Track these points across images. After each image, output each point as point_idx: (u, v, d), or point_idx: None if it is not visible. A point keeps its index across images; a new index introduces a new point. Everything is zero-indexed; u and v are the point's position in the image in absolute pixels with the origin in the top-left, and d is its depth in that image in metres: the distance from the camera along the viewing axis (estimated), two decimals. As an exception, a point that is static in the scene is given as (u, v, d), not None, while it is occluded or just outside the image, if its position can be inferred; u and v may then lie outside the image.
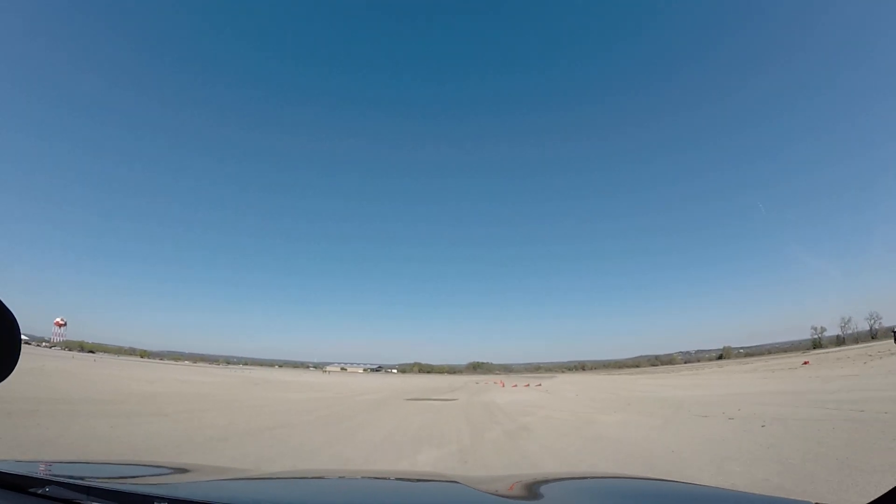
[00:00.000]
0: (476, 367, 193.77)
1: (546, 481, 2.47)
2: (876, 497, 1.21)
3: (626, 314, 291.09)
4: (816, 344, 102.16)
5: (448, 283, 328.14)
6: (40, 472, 1.81)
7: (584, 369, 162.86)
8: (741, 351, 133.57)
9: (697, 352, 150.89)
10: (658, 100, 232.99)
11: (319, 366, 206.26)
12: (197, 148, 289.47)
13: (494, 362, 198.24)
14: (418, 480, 3.01)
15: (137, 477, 2.27)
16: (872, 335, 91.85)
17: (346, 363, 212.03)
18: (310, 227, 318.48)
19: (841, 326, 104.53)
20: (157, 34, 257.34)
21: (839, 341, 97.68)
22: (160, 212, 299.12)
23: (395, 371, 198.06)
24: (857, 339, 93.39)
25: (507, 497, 1.99)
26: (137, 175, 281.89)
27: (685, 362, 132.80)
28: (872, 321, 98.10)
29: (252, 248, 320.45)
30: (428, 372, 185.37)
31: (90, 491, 1.47)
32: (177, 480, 2.24)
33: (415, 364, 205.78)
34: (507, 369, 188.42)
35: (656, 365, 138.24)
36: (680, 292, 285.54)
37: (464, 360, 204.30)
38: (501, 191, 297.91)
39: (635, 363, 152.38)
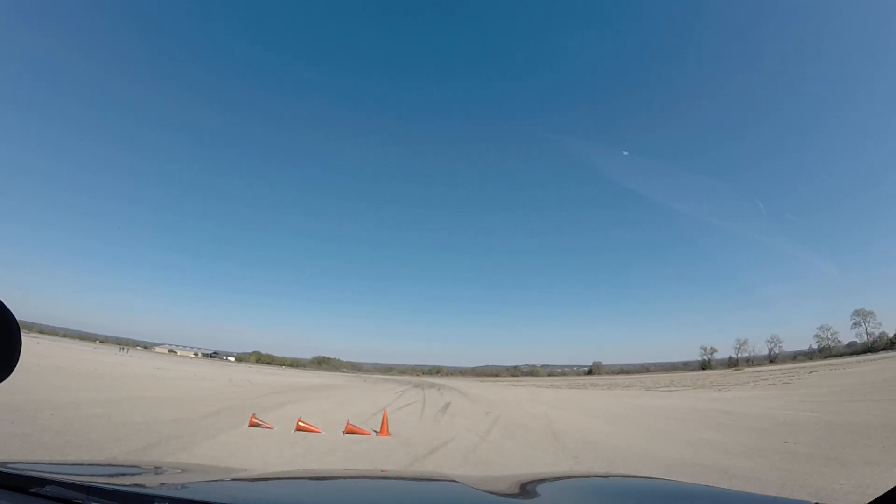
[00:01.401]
0: (322, 363, 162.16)
1: (545, 480, 2.44)
2: (876, 497, 1.19)
3: (502, 325, 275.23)
4: (705, 365, 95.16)
5: (296, 275, 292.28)
6: (40, 472, 1.68)
7: (438, 373, 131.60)
8: (619, 367, 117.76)
9: (569, 367, 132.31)
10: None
11: (150, 346, 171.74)
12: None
13: (343, 359, 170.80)
14: (418, 480, 2.99)
15: (137, 477, 2.18)
16: (771, 359, 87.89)
17: (177, 345, 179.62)
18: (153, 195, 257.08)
19: (736, 348, 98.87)
20: (164, 33, 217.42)
21: (732, 363, 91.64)
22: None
23: (231, 359, 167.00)
24: (753, 361, 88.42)
25: (507, 496, 1.94)
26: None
27: (549, 374, 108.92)
28: (772, 345, 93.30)
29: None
30: (268, 363, 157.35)
31: (90, 491, 1.43)
32: (177, 480, 2.17)
33: (253, 353, 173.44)
34: (356, 368, 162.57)
35: (517, 375, 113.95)
36: (563, 307, 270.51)
37: (308, 354, 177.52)
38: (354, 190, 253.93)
39: (494, 371, 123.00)
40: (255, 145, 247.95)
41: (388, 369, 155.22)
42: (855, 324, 76.96)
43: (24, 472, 1.59)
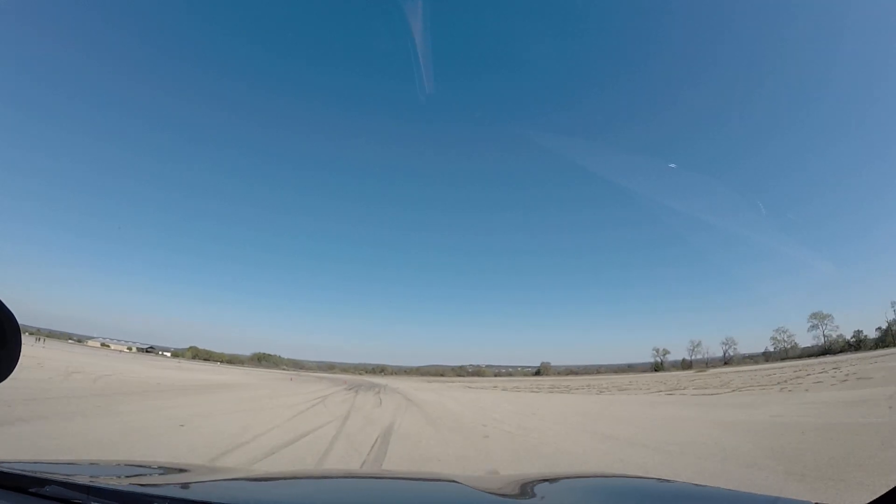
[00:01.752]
0: (262, 359, 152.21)
1: (545, 480, 2.43)
2: (876, 497, 1.19)
3: (448, 324, 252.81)
4: (658, 367, 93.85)
5: (239, 268, 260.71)
6: (40, 472, 1.70)
7: (382, 372, 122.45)
8: (567, 369, 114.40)
9: (515, 367, 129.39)
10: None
11: (83, 339, 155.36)
12: None
13: (283, 356, 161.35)
14: (417, 480, 2.97)
15: (137, 477, 2.16)
16: (725, 361, 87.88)
17: (111, 339, 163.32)
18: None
19: (690, 350, 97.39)
20: (161, 32, 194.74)
21: (685, 365, 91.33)
22: None
23: (167, 354, 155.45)
24: (708, 363, 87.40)
25: (507, 496, 1.94)
26: None
27: (495, 375, 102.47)
28: (727, 347, 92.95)
29: None
30: (206, 359, 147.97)
31: (90, 491, 1.44)
32: (177, 480, 2.18)
33: (190, 348, 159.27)
34: (298, 365, 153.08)
35: (462, 375, 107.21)
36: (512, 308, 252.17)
37: (247, 350, 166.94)
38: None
39: (439, 371, 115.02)
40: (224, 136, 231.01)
41: (330, 367, 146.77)
42: (812, 326, 77.91)
43: (24, 472, 1.59)
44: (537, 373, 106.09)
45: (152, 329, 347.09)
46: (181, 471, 2.44)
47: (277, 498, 1.90)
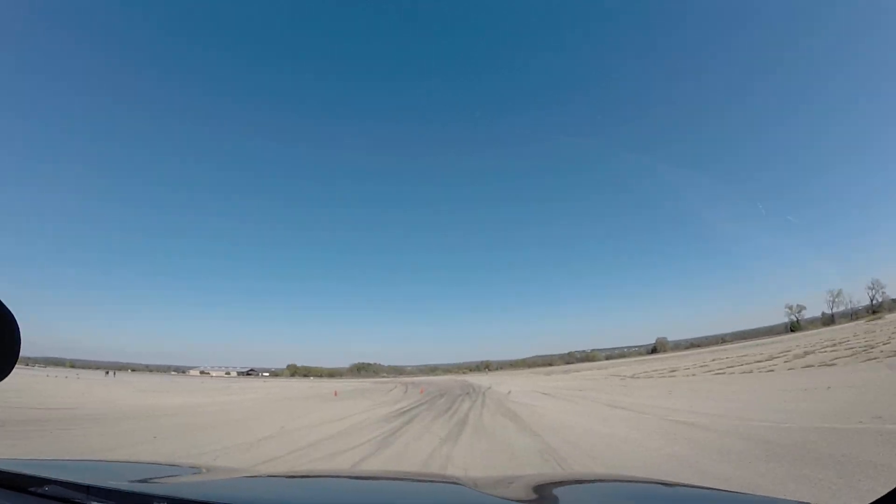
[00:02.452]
0: (361, 369, 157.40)
1: (546, 482, 2.43)
2: (876, 497, 1.19)
3: (551, 313, 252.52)
4: (794, 326, 79.55)
5: (325, 282, 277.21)
6: (40, 471, 1.69)
7: (487, 369, 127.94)
8: (690, 342, 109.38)
9: (627, 348, 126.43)
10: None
11: (179, 369, 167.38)
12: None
13: (384, 364, 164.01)
14: (418, 480, 2.96)
15: (137, 477, 2.09)
16: (873, 309, 68.62)
17: (211, 367, 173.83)
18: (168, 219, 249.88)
19: (830, 302, 78.79)
20: (154, 42, 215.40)
21: (827, 321, 74.66)
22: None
23: (266, 375, 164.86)
24: (857, 315, 69.60)
25: (507, 498, 1.92)
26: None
27: (607, 358, 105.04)
28: (874, 291, 73.65)
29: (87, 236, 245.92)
30: (305, 375, 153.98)
31: (90, 491, 1.44)
32: (177, 480, 2.16)
33: (288, 367, 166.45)
34: (398, 371, 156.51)
35: (572, 362, 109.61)
36: (617, 286, 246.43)
37: (343, 363, 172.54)
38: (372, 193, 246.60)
39: (547, 361, 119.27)
40: (264, 157, 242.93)
41: (431, 370, 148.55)
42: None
43: (24, 473, 1.58)
44: (653, 350, 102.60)
45: (254, 353, 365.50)
46: (181, 470, 2.45)
47: (277, 498, 1.88)
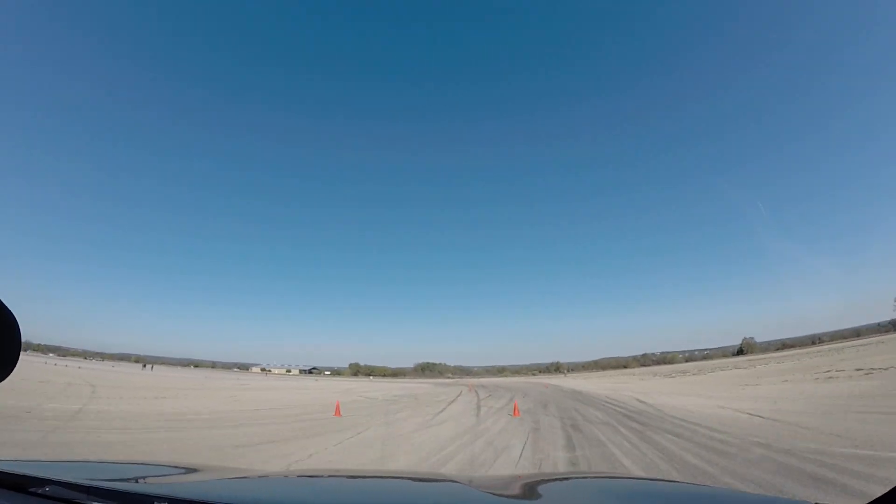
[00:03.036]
0: (425, 369, 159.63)
1: (546, 481, 2.40)
2: (876, 497, 1.18)
3: (624, 312, 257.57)
4: None
5: (388, 285, 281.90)
6: (40, 472, 1.66)
7: (558, 370, 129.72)
8: (781, 342, 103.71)
9: (709, 349, 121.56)
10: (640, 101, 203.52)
11: (246, 367, 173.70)
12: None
13: (449, 364, 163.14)
14: (418, 480, 2.84)
15: (137, 477, 2.09)
16: None
17: (271, 365, 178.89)
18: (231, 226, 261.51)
19: None
20: (157, 42, 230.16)
21: None
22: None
23: (328, 373, 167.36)
24: None
25: (507, 497, 1.92)
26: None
27: (686, 360, 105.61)
28: None
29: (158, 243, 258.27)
30: (368, 374, 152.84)
31: (90, 491, 1.43)
32: (177, 480, 2.16)
33: (351, 366, 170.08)
34: (464, 372, 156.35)
35: (647, 364, 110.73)
36: (690, 288, 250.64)
37: (408, 362, 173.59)
38: (444, 195, 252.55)
39: (622, 363, 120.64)
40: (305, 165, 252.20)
41: (498, 371, 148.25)
42: None
43: (24, 473, 1.58)
44: (739, 352, 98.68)
45: (309, 353, 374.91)
46: (181, 471, 2.43)
47: (277, 497, 1.85)
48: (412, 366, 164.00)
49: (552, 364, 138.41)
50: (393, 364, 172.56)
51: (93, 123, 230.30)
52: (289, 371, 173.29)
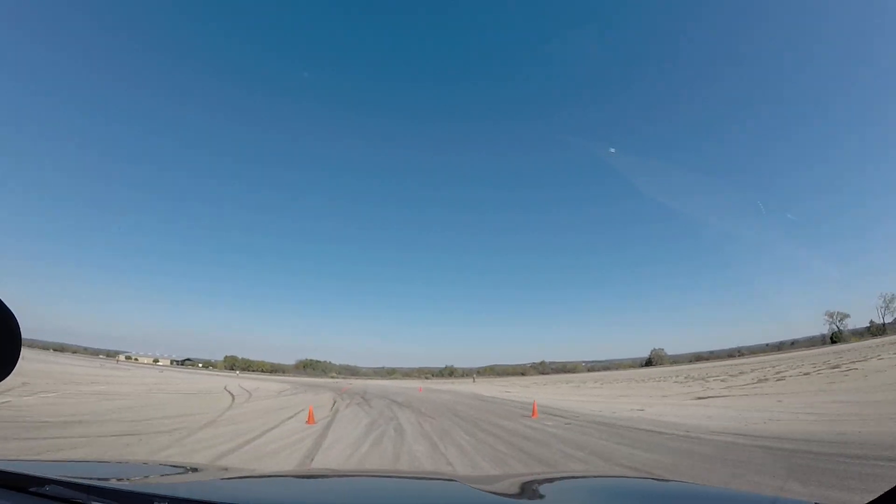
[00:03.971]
0: (307, 366, 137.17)
1: (545, 481, 2.39)
2: (876, 497, 1.19)
3: (521, 321, 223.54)
4: (836, 338, 66.30)
5: (282, 277, 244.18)
6: (40, 471, 1.67)
7: (452, 375, 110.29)
8: (696, 355, 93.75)
9: (611, 361, 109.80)
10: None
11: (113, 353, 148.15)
12: None
13: (335, 362, 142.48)
14: (417, 479, 2.93)
15: (137, 477, 2.13)
16: None
17: (140, 353, 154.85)
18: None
19: (882, 308, 67.80)
20: (155, 32, 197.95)
21: (877, 331, 63.31)
22: None
23: (199, 365, 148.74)
24: None
25: (506, 496, 1.91)
26: None
27: (589, 370, 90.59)
28: None
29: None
30: (245, 368, 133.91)
31: (90, 490, 1.43)
32: (177, 480, 2.17)
33: (227, 358, 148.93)
34: (351, 371, 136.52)
35: (546, 373, 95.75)
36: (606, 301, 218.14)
37: (291, 359, 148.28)
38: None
39: (518, 371, 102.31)
40: (239, 145, 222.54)
41: (388, 373, 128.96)
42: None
43: (24, 472, 1.57)
44: (648, 363, 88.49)
45: (189, 343, 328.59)
46: (181, 470, 2.45)
47: (277, 497, 1.82)
48: (293, 363, 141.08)
49: (446, 368, 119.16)
50: (275, 359, 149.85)
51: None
52: (156, 361, 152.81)
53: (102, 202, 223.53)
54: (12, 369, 1.36)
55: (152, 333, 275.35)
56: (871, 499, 1.17)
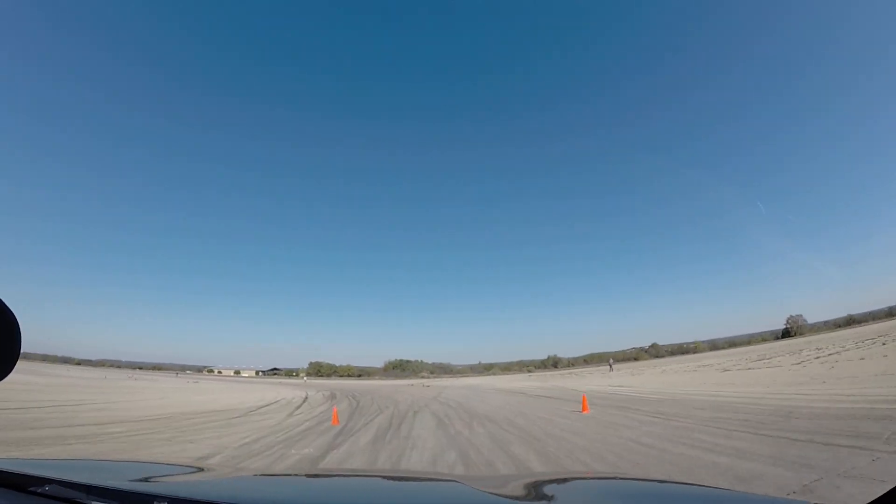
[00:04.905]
0: (396, 368, 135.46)
1: (546, 481, 2.34)
2: (876, 497, 1.17)
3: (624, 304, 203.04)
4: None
5: (358, 284, 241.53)
6: (40, 471, 1.66)
7: (556, 366, 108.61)
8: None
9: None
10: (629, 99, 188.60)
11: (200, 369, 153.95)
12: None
13: (427, 361, 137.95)
14: (418, 480, 2.89)
15: (137, 477, 2.05)
16: None
17: (224, 367, 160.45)
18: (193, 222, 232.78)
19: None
20: (150, 41, 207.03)
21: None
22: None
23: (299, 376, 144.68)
24: None
25: (507, 497, 1.88)
26: None
27: (711, 349, 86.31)
28: None
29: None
30: (328, 374, 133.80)
31: (90, 490, 1.43)
32: (177, 480, 2.12)
33: (312, 364, 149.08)
34: (444, 370, 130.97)
35: (660, 356, 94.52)
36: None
37: (378, 361, 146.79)
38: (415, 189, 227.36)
39: (631, 356, 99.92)
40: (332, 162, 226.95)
41: (486, 368, 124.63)
42: None
43: (24, 472, 1.56)
44: (785, 334, 78.87)
45: (278, 355, 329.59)
46: (181, 470, 2.42)
47: (278, 497, 1.80)
48: (381, 365, 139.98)
49: (549, 358, 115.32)
50: (363, 363, 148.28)
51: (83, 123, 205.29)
52: (237, 372, 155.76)
53: (204, 233, 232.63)
54: (12, 369, 1.34)
55: (245, 349, 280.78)
56: (871, 499, 1.15)
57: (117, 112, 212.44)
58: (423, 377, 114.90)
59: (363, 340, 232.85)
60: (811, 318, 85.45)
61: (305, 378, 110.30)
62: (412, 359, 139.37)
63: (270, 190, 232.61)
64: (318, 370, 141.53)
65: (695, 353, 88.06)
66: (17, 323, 1.33)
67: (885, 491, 1.15)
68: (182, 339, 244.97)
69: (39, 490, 1.44)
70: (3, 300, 1.30)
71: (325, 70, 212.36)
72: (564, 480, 2.52)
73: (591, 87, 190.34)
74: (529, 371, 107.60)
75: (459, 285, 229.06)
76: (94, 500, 1.37)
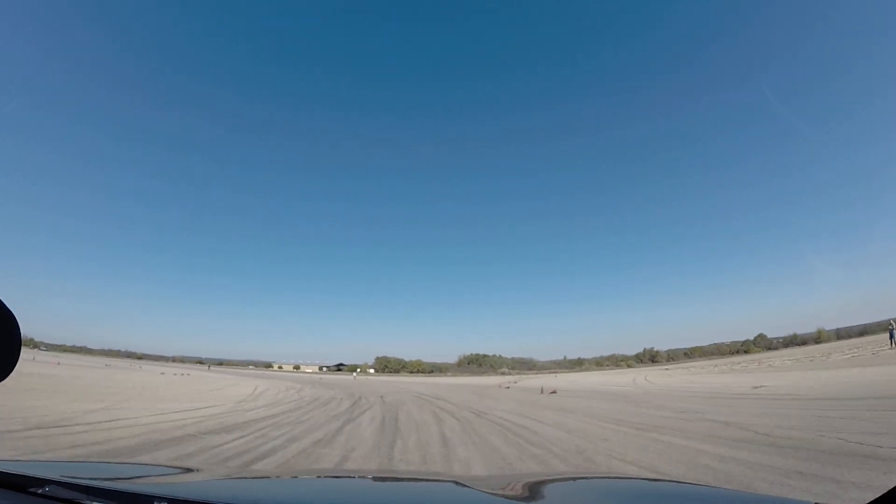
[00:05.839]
0: (472, 362, 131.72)
1: (545, 481, 2.35)
2: (876, 497, 1.18)
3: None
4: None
5: (431, 281, 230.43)
6: (40, 471, 1.66)
7: (653, 360, 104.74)
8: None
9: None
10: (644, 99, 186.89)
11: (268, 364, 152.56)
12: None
13: (506, 356, 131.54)
14: (417, 480, 2.90)
15: (137, 477, 2.13)
16: None
17: (292, 362, 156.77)
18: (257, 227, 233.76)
19: None
20: (151, 37, 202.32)
21: None
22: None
23: (361, 370, 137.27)
24: None
25: (506, 497, 1.88)
26: None
27: (838, 338, 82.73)
28: None
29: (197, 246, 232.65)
30: (396, 370, 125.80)
31: (90, 491, 1.42)
32: (177, 480, 2.15)
33: (378, 360, 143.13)
34: (526, 365, 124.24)
35: (773, 348, 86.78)
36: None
37: (451, 357, 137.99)
38: (470, 191, 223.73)
39: (732, 350, 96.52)
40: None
41: (574, 363, 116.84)
42: None
43: (24, 473, 1.56)
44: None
45: (347, 350, 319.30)
46: (181, 471, 2.43)
47: (277, 498, 1.81)
48: (455, 360, 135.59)
49: (645, 352, 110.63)
50: (436, 358, 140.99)
51: (90, 119, 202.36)
52: (297, 368, 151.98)
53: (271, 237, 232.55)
54: (12, 369, 1.33)
55: (316, 347, 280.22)
56: (871, 499, 1.15)
57: (137, 111, 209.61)
58: (503, 373, 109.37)
59: (434, 337, 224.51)
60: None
61: (355, 375, 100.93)
62: (489, 353, 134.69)
63: (360, 193, 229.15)
64: (385, 365, 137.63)
65: (817, 343, 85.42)
66: (17, 323, 1.32)
67: (885, 491, 1.15)
68: (274, 337, 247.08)
69: (39, 490, 1.42)
70: (3, 300, 1.28)
71: (332, 68, 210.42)
72: (566, 480, 2.52)
73: (605, 84, 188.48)
74: (629, 366, 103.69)
75: (545, 277, 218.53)
76: (93, 501, 1.35)
